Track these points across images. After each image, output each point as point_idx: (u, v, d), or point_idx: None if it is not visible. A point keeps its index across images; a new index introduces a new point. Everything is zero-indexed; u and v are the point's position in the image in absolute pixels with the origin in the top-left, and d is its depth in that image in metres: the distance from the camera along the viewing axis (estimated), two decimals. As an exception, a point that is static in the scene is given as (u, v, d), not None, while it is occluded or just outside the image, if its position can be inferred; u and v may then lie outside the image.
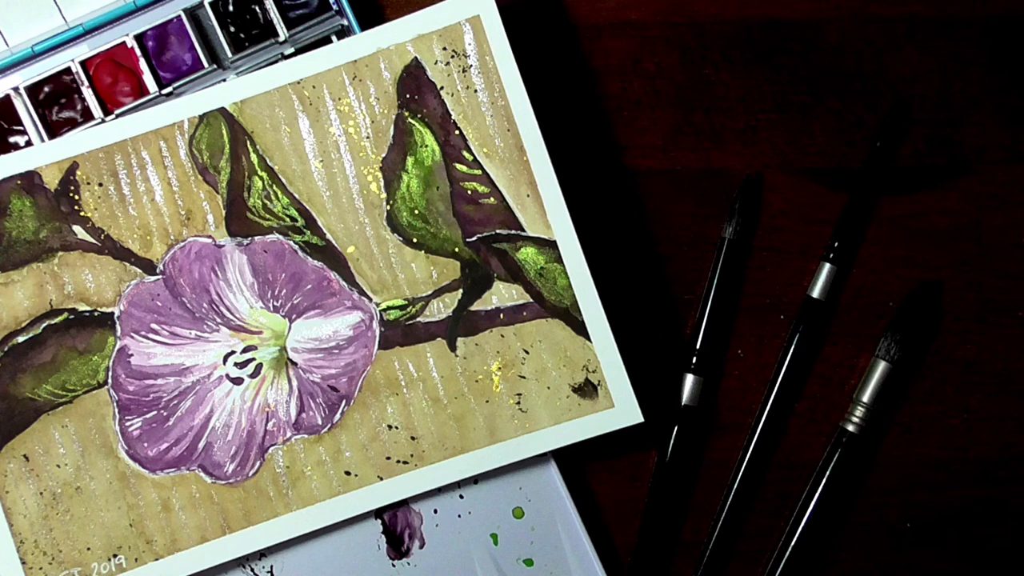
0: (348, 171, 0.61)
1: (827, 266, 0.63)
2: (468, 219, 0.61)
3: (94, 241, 0.60)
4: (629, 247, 0.64)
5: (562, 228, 0.61)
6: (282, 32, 0.62)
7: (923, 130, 0.65)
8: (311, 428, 0.60)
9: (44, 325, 0.60)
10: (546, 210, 0.61)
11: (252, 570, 0.61)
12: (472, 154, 0.61)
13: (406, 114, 0.61)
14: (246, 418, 0.60)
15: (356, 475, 0.60)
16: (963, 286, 0.64)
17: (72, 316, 0.60)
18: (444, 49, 0.61)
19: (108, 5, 0.63)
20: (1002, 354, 0.64)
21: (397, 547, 0.62)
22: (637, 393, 0.60)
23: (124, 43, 0.62)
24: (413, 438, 0.60)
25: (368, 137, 0.61)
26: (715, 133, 0.65)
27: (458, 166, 0.61)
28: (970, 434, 0.64)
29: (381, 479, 0.60)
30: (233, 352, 0.60)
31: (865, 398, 0.63)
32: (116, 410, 0.60)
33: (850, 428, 0.63)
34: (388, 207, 0.61)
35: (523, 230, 0.61)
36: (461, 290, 0.61)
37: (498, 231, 0.61)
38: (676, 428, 0.63)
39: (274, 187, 0.61)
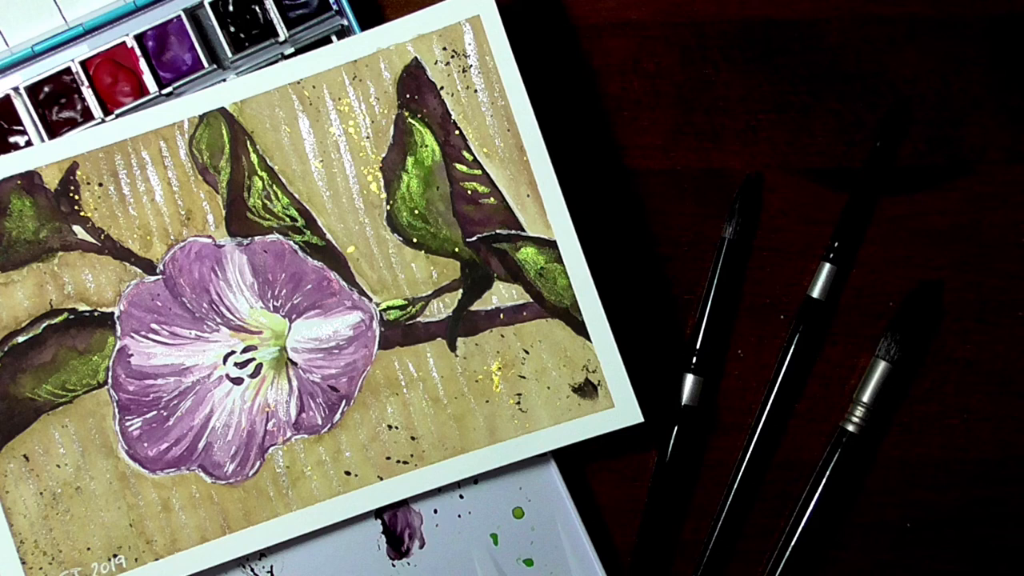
0: (348, 171, 0.61)
1: (827, 266, 0.63)
2: (468, 219, 0.61)
3: (94, 241, 0.60)
4: (629, 247, 0.64)
5: (562, 228, 0.61)
6: (282, 32, 0.62)
7: (923, 130, 0.65)
8: (311, 428, 0.60)
9: (44, 325, 0.60)
10: (546, 210, 0.61)
11: (252, 570, 0.61)
12: (472, 154, 0.61)
13: (406, 114, 0.61)
14: (246, 418, 0.60)
15: (356, 475, 0.60)
16: (963, 286, 0.64)
17: (72, 316, 0.60)
18: (444, 49, 0.61)
19: (108, 5, 0.63)
20: (1002, 354, 0.64)
21: (397, 547, 0.62)
22: (637, 393, 0.60)
23: (124, 43, 0.62)
24: (413, 438, 0.60)
25: (368, 137, 0.61)
26: (715, 133, 0.65)
27: (458, 166, 0.61)
28: (970, 434, 0.64)
29: (381, 479, 0.60)
30: (233, 352, 0.60)
31: (865, 398, 0.63)
32: (116, 410, 0.60)
33: (850, 428, 0.63)
34: (388, 207, 0.61)
35: (523, 230, 0.61)
36: (461, 290, 0.61)
37: (498, 231, 0.61)
38: (676, 428, 0.63)
39: (274, 187, 0.61)
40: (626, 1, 0.65)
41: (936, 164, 0.65)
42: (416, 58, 0.61)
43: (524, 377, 0.61)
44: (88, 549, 0.59)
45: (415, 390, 0.60)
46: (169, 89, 0.62)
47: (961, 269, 0.64)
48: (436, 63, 0.61)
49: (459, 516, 0.62)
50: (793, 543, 0.63)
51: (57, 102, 0.62)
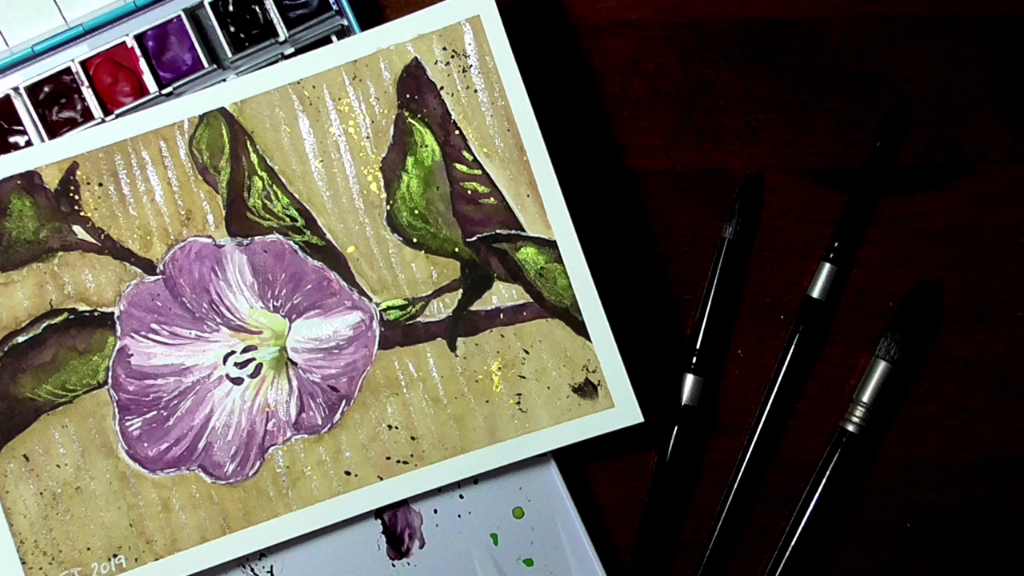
0: (348, 171, 0.61)
1: (827, 266, 0.63)
2: (468, 219, 0.61)
3: (94, 241, 0.60)
4: (629, 247, 0.64)
5: (562, 228, 0.61)
6: (282, 32, 0.62)
7: (923, 130, 0.65)
8: (311, 428, 0.60)
9: (44, 325, 0.60)
10: (546, 210, 0.61)
11: (252, 570, 0.61)
12: (472, 154, 0.61)
13: (406, 114, 0.61)
14: (246, 418, 0.60)
15: (356, 475, 0.60)
16: (963, 286, 0.64)
17: (72, 316, 0.60)
18: (444, 49, 0.61)
19: (108, 5, 0.63)
20: (1002, 354, 0.64)
21: (397, 547, 0.62)
22: (637, 393, 0.60)
23: (124, 43, 0.62)
24: (413, 438, 0.60)
25: (368, 137, 0.61)
26: (715, 133, 0.65)
27: (458, 166, 0.61)
28: (970, 434, 0.64)
29: (381, 479, 0.60)
30: (233, 352, 0.60)
31: (865, 398, 0.63)
32: (116, 410, 0.60)
33: (850, 428, 0.63)
34: (388, 207, 0.61)
35: (523, 230, 0.61)
36: (461, 290, 0.61)
37: (498, 231, 0.61)
38: (676, 428, 0.63)
39: (274, 187, 0.61)
40: (626, 1, 0.65)
41: (936, 164, 0.65)
42: (416, 58, 0.61)
43: (524, 377, 0.61)
44: (88, 549, 0.59)
45: (415, 390, 0.60)
46: (169, 89, 0.62)
47: (961, 269, 0.64)
48: (436, 63, 0.61)
49: (459, 516, 0.62)
50: (793, 543, 0.63)
51: (57, 102, 0.62)
